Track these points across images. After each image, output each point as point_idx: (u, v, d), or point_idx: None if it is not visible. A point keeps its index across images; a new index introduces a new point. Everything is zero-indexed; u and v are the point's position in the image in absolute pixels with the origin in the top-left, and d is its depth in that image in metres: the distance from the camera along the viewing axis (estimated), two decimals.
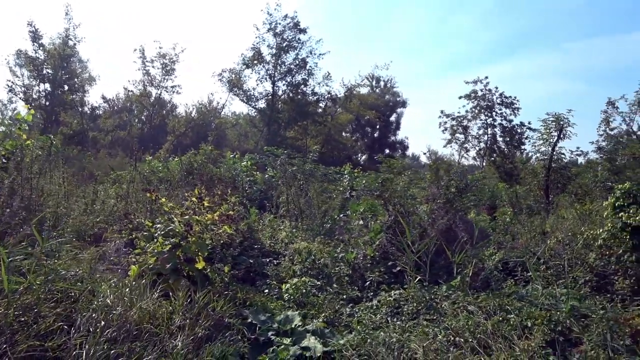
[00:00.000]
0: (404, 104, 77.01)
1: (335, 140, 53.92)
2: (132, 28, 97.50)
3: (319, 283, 10.04)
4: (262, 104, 52.94)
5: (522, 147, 43.40)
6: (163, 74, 54.51)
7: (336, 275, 10.58)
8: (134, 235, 10.48)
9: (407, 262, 9.72)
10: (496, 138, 45.36)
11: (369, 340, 7.21)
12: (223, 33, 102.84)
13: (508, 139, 44.71)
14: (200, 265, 9.49)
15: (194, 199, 9.47)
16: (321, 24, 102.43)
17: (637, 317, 7.71)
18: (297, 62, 50.90)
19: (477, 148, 46.33)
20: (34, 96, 54.80)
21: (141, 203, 14.88)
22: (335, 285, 9.89)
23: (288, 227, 14.25)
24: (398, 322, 8.23)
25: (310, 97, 51.95)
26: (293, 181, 16.81)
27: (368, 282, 10.16)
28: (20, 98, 53.71)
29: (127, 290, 7.40)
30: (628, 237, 8.96)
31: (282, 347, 6.94)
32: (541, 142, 24.89)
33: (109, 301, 7.00)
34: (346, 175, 21.69)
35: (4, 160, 11.94)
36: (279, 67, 50.58)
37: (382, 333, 7.58)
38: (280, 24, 50.38)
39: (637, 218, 8.76)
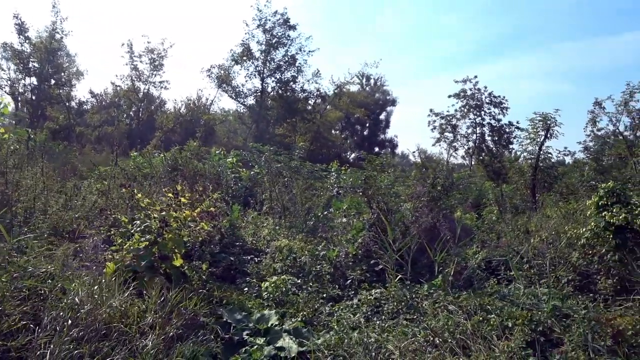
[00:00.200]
0: (393, 102, 77.07)
1: (324, 138, 53.74)
2: (121, 22, 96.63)
3: (299, 281, 9.86)
4: (250, 100, 52.76)
5: (511, 146, 43.36)
6: (151, 69, 54.01)
7: (317, 273, 10.40)
8: (112, 232, 10.24)
9: (389, 260, 9.55)
10: (484, 137, 45.23)
11: (346, 341, 7.03)
12: (213, 29, 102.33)
13: (496, 138, 44.60)
14: (177, 262, 9.27)
15: (170, 195, 9.22)
16: (311, 21, 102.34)
17: (619, 317, 7.59)
18: (287, 58, 50.63)
19: (466, 147, 46.20)
20: (20, 90, 54.12)
21: (122, 199, 14.60)
22: (314, 284, 9.69)
23: (271, 224, 14.06)
24: (378, 322, 8.08)
25: (299, 94, 51.79)
26: (277, 178, 16.59)
27: (349, 281, 9.99)
28: (5, 92, 52.99)
29: (97, 288, 7.15)
30: (611, 236, 8.86)
31: (256, 347, 6.74)
32: (528, 141, 24.87)
33: (77, 299, 6.76)
34: (333, 173, 21.51)
35: None
36: (268, 64, 50.30)
37: (360, 333, 7.42)
38: (269, 20, 50.14)
39: (621, 217, 8.66)
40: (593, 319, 7.31)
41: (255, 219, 15.04)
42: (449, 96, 44.74)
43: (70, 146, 39.36)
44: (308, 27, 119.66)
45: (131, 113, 61.97)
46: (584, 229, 9.45)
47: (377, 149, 73.80)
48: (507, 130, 43.90)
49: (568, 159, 28.14)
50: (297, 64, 51.13)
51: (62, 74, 55.96)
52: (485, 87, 44.07)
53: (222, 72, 51.15)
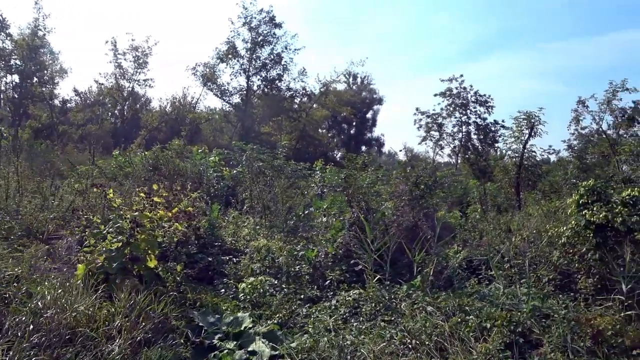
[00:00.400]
0: (380, 101, 76.91)
1: (310, 137, 53.44)
2: (105, 19, 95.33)
3: (276, 282, 9.65)
4: (236, 98, 52.31)
5: (496, 145, 43.43)
6: (135, 67, 53.41)
7: (296, 274, 10.20)
8: (87, 233, 9.96)
9: (367, 260, 9.37)
10: (470, 136, 45.23)
11: (321, 344, 6.84)
12: (198, 26, 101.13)
13: (482, 137, 44.67)
14: (151, 264, 9.02)
15: (141, 194, 8.96)
16: (298, 20, 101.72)
17: (599, 317, 7.47)
18: (272, 57, 50.29)
19: (452, 145, 46.21)
20: (2, 88, 53.28)
21: (99, 199, 14.30)
22: (292, 285, 9.48)
23: (251, 224, 13.82)
24: (356, 324, 7.91)
25: (285, 93, 51.44)
26: (259, 177, 16.35)
27: (328, 281, 9.79)
28: None
29: (61, 291, 6.88)
30: (591, 235, 8.74)
31: (226, 351, 6.52)
32: (513, 139, 24.85)
33: (40, 304, 6.50)
34: (317, 172, 21.30)
35: None
36: (253, 62, 49.91)
37: (336, 336, 7.24)
38: (255, 18, 49.68)
39: (601, 216, 8.54)
40: (573, 319, 7.19)
41: (236, 219, 14.80)
42: (435, 95, 44.71)
43: (52, 145, 38.82)
44: (295, 26, 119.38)
45: (116, 112, 61.26)
46: (564, 228, 9.32)
47: (364, 148, 73.73)
48: (493, 128, 43.97)
49: (553, 158, 28.22)
50: (282, 62, 50.82)
51: (45, 71, 55.06)
52: (471, 86, 44.08)
53: (208, 70, 50.67)
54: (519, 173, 23.53)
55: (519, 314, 7.34)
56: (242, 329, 7.31)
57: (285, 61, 50.87)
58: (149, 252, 8.94)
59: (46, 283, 7.55)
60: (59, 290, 6.89)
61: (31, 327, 6.06)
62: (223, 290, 9.78)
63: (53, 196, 16.12)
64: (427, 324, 6.98)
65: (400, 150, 78.57)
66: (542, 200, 15.47)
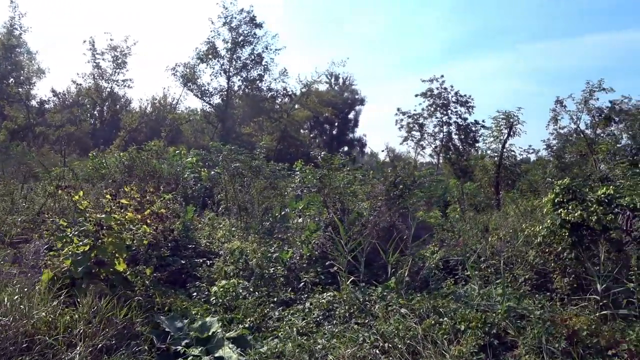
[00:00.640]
0: (362, 101, 76.86)
1: (291, 137, 53.06)
2: (83, 19, 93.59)
3: (249, 285, 9.42)
4: (216, 99, 51.80)
5: (477, 144, 43.69)
6: (114, 67, 52.57)
7: (270, 276, 9.98)
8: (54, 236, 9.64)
9: (341, 262, 9.19)
10: (451, 136, 45.46)
11: (291, 348, 6.64)
12: (178, 26, 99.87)
13: (463, 137, 44.93)
14: (120, 267, 8.75)
15: (108, 196, 8.68)
16: (279, 20, 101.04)
17: (574, 317, 7.37)
18: (253, 57, 49.86)
19: (433, 145, 46.38)
20: None
21: (70, 202, 13.94)
22: (265, 288, 9.25)
23: (227, 226, 13.56)
24: (329, 327, 7.72)
25: (266, 93, 51.08)
26: (236, 178, 16.09)
27: (302, 284, 9.59)
28: None
29: (17, 298, 6.59)
30: (567, 234, 8.66)
31: (191, 358, 6.29)
32: (492, 139, 24.97)
33: None
34: (297, 172, 21.07)
35: None
36: (234, 62, 49.46)
37: (307, 339, 7.06)
38: (235, 18, 49.17)
39: (576, 215, 8.45)
40: (548, 320, 7.09)
41: (212, 220, 14.53)
42: (416, 95, 44.84)
43: (28, 147, 38.06)
44: (276, 27, 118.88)
45: (95, 112, 60.33)
46: (540, 227, 9.24)
47: (346, 148, 73.64)
48: (474, 129, 44.23)
49: (533, 157, 28.42)
50: (263, 63, 50.47)
51: (22, 71, 54.11)
52: (452, 86, 44.33)
53: (188, 70, 50.11)
54: (499, 172, 23.63)
55: (494, 315, 7.22)
56: (210, 334, 7.07)
57: (266, 61, 50.56)
58: (117, 255, 8.68)
59: (8, 289, 7.26)
60: (19, 297, 6.57)
61: None
62: (195, 293, 9.53)
63: (24, 199, 15.72)
64: (400, 327, 6.82)
65: (382, 151, 78.81)
66: (519, 200, 15.44)
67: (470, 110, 44.38)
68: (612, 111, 24.87)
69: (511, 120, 23.54)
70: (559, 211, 8.76)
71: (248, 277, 9.96)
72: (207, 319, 7.55)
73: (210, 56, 49.22)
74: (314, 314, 8.25)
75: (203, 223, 14.42)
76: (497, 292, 7.88)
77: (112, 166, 18.04)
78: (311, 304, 8.61)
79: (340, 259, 9.42)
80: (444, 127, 45.29)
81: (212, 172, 20.16)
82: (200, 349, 6.51)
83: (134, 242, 9.49)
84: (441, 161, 46.50)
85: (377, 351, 6.45)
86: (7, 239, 11.64)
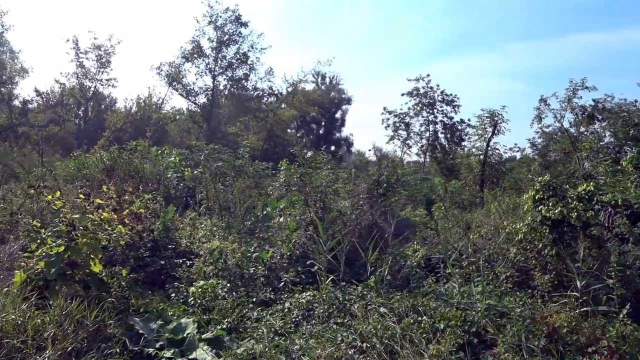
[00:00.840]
0: (349, 100, 76.84)
1: (277, 137, 52.89)
2: (67, 17, 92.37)
3: (228, 285, 9.27)
4: (202, 98, 51.49)
5: (463, 143, 43.82)
6: (98, 66, 52.08)
7: (251, 276, 9.83)
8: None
9: (321, 261, 9.06)
10: (437, 135, 45.60)
11: (267, 349, 6.51)
12: (162, 25, 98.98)
13: (449, 136, 45.06)
14: (96, 268, 8.58)
15: (81, 196, 8.48)
16: (266, 19, 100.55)
17: (555, 314, 7.31)
18: (238, 56, 49.64)
19: (420, 144, 46.47)
20: None
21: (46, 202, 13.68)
22: (242, 288, 9.10)
23: (208, 226, 13.39)
24: (308, 327, 7.60)
25: (251, 93, 50.84)
26: (218, 177, 15.91)
27: (282, 283, 9.45)
28: None
29: None
30: (547, 231, 8.61)
31: (164, 359, 6.14)
32: (476, 137, 25.04)
33: None
34: (282, 171, 20.91)
35: None
36: (219, 61, 49.20)
37: (285, 340, 6.94)
38: (221, 17, 48.96)
39: (556, 211, 8.41)
40: (528, 317, 7.02)
41: (194, 220, 14.34)
42: (402, 94, 44.87)
43: (10, 147, 37.50)
44: (262, 26, 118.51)
45: (80, 112, 59.71)
46: (521, 224, 9.19)
47: (333, 148, 73.57)
48: (460, 127, 44.36)
49: (518, 155, 28.58)
50: (249, 62, 50.23)
51: (4, 71, 53.34)
52: (438, 86, 44.45)
53: (173, 69, 49.74)
54: (483, 170, 23.70)
55: (474, 313, 7.14)
56: (184, 335, 6.92)
57: (252, 61, 50.36)
58: (92, 256, 8.50)
59: None
60: None
61: None
62: (173, 294, 9.36)
63: (2, 200, 15.41)
64: (378, 326, 6.71)
65: (370, 150, 78.77)
66: (502, 197, 15.44)
67: (457, 109, 44.57)
68: (595, 109, 25.02)
69: (495, 118, 23.65)
70: (540, 208, 8.71)
71: (227, 277, 9.80)
72: (182, 320, 7.41)
73: (195, 55, 48.91)
74: (293, 314, 8.12)
75: (184, 223, 14.23)
76: (477, 290, 7.79)
77: (92, 166, 17.74)
78: (291, 304, 8.48)
79: (320, 258, 9.29)
80: (430, 126, 45.43)
81: (195, 172, 19.94)
82: (173, 351, 6.35)
83: (110, 242, 9.31)
84: (428, 160, 46.62)
85: (354, 351, 6.33)
86: None
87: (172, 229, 13.03)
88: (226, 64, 49.77)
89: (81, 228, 8.44)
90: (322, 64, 52.72)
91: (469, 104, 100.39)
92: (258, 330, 7.46)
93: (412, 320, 6.89)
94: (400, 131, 45.78)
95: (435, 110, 44.91)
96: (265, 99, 53.23)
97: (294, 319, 7.96)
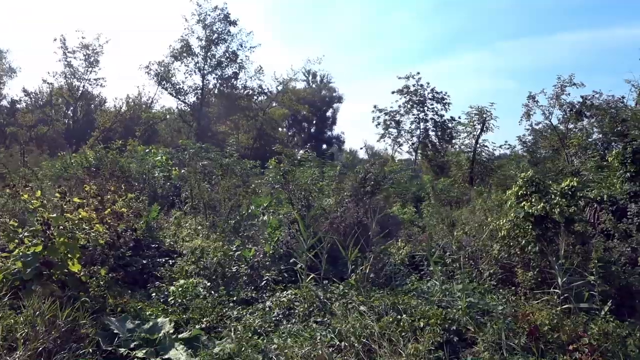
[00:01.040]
0: (340, 99, 76.86)
1: (268, 135, 52.70)
2: (55, 16, 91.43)
3: (209, 284, 9.13)
4: (191, 97, 51.22)
5: (453, 141, 43.78)
6: (86, 65, 51.58)
7: (233, 275, 9.70)
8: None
9: (302, 259, 8.95)
10: (428, 132, 45.51)
11: (243, 349, 6.39)
12: (151, 24, 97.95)
13: (439, 134, 44.99)
14: (75, 268, 8.41)
15: (57, 195, 8.32)
16: (256, 18, 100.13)
17: (537, 311, 7.24)
18: (228, 55, 49.41)
19: (410, 142, 46.37)
20: None
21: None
22: (222, 287, 8.97)
23: (193, 224, 13.24)
24: (288, 325, 7.49)
25: (241, 91, 50.55)
26: (201, 175, 15.75)
27: (264, 282, 9.33)
28: None
29: None
30: (530, 227, 8.53)
31: (135, 359, 6.01)
32: (465, 134, 25.00)
33: None
34: (271, 170, 20.79)
35: None
36: (208, 60, 48.93)
37: (263, 339, 6.82)
38: (209, 15, 48.71)
39: (539, 207, 8.33)
40: (509, 315, 6.94)
41: (179, 219, 14.19)
42: (392, 92, 44.75)
43: None
44: (252, 24, 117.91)
45: (69, 112, 59.19)
46: (503, 220, 9.10)
47: (324, 146, 73.53)
48: (450, 125, 44.29)
49: (509, 152, 28.57)
50: (238, 60, 49.97)
51: None
52: (428, 83, 44.31)
53: (162, 69, 49.39)
54: (472, 167, 23.66)
55: (454, 311, 7.04)
56: (160, 335, 6.78)
57: (241, 59, 50.09)
58: (70, 256, 8.34)
59: None
60: None
61: None
62: (154, 294, 9.21)
63: None
64: (357, 325, 6.60)
65: (361, 148, 78.81)
66: (488, 194, 15.37)
67: (447, 106, 44.46)
68: (584, 106, 25.03)
69: (484, 115, 23.61)
70: (522, 204, 8.63)
71: (209, 276, 9.67)
72: (159, 320, 7.27)
73: (184, 54, 48.60)
74: (274, 313, 8.01)
75: (169, 222, 14.08)
76: (457, 288, 7.70)
77: (77, 165, 17.55)
78: (272, 302, 8.36)
79: (302, 255, 9.18)
80: (421, 123, 45.31)
81: (182, 171, 19.78)
82: (146, 351, 6.22)
83: (89, 242, 9.15)
84: (419, 158, 46.54)
85: (333, 350, 6.22)
86: None
87: (156, 228, 12.86)
88: (215, 62, 49.49)
89: (61, 227, 8.29)
90: (312, 62, 52.56)
91: (461, 103, 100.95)
92: (236, 330, 7.33)
93: (391, 319, 6.79)
94: (390, 129, 45.64)
95: (425, 108, 44.77)
96: (255, 97, 52.96)
97: (274, 318, 7.85)
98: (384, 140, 46.62)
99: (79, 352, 6.16)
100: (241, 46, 49.76)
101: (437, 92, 44.43)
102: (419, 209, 17.55)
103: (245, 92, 51.04)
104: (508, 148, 27.82)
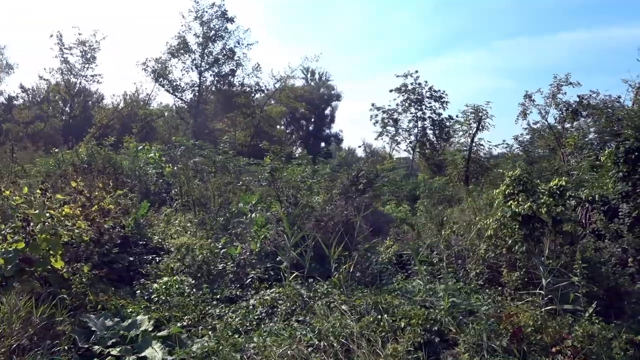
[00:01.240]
0: (338, 97, 76.63)
1: (265, 133, 52.53)
2: (52, 13, 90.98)
3: (193, 282, 9.04)
4: (188, 94, 51.03)
5: (451, 139, 43.70)
6: (83, 62, 51.35)
7: (219, 272, 9.61)
8: None
9: (287, 257, 8.85)
10: (426, 131, 45.47)
11: (222, 346, 6.30)
12: (148, 20, 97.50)
13: (437, 132, 44.93)
14: (58, 265, 8.31)
15: (38, 191, 8.22)
16: (255, 15, 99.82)
17: (522, 312, 7.13)
18: (225, 52, 49.19)
19: (408, 141, 46.29)
20: None
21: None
22: (204, 285, 8.88)
23: (182, 221, 13.15)
24: (270, 324, 7.40)
25: (238, 88, 50.30)
26: (195, 173, 15.66)
27: (249, 280, 9.23)
28: None
29: None
30: (517, 227, 8.42)
31: (110, 357, 5.92)
32: (461, 133, 24.89)
33: None
34: (267, 167, 20.70)
35: None
36: (205, 57, 48.72)
37: (243, 337, 6.74)
38: (207, 12, 48.44)
39: (526, 206, 8.22)
40: (493, 316, 6.84)
41: (169, 216, 14.09)
42: (390, 90, 44.68)
43: None
44: (251, 22, 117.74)
45: (66, 109, 59.02)
46: (490, 220, 8.99)
47: (322, 144, 73.42)
48: (448, 124, 44.19)
49: (506, 151, 28.44)
50: (235, 58, 49.78)
51: None
52: (426, 82, 44.23)
53: (159, 65, 49.18)
54: (468, 166, 23.56)
55: (437, 311, 6.95)
56: (138, 332, 6.69)
57: (238, 56, 49.89)
58: (52, 252, 8.25)
59: None
60: None
61: None
62: (139, 291, 9.12)
63: None
64: (337, 324, 6.50)
65: (359, 146, 78.71)
66: (477, 193, 15.27)
67: (445, 105, 44.43)
68: (580, 105, 24.89)
69: (480, 114, 23.48)
70: (509, 203, 8.52)
71: (194, 273, 9.58)
72: (138, 317, 7.18)
73: (181, 51, 48.41)
74: (257, 311, 7.92)
75: (159, 219, 14.00)
76: (440, 288, 7.60)
77: (67, 162, 17.45)
78: (256, 300, 8.27)
79: (285, 254, 9.08)
80: (419, 122, 45.26)
81: (175, 168, 19.69)
82: (120, 348, 6.14)
83: (73, 238, 9.06)
84: (417, 156, 46.49)
85: (312, 350, 6.13)
86: None
87: (144, 225, 12.77)
88: (212, 59, 49.29)
89: (46, 224, 8.20)
90: (310, 59, 52.26)
91: (459, 102, 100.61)
92: (216, 328, 7.25)
93: (372, 319, 6.69)
94: (388, 127, 45.60)
95: (423, 107, 44.72)
96: (253, 95, 52.77)
97: (257, 317, 7.77)
98: (382, 139, 46.63)
99: (54, 349, 6.08)
100: (238, 43, 49.57)
101: (435, 91, 44.39)
102: (414, 207, 17.47)
103: (243, 89, 50.82)
104: (506, 147, 27.74)
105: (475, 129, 23.57)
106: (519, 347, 6.30)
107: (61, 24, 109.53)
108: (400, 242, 10.47)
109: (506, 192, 8.76)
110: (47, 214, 8.28)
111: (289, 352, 5.95)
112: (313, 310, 7.45)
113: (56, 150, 25.32)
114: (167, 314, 7.95)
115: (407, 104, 45.06)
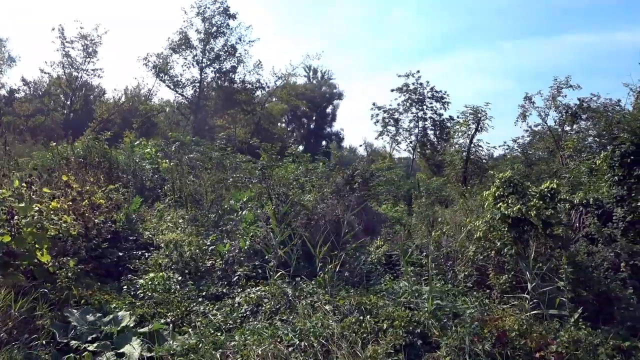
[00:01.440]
0: (340, 95, 76.62)
1: (265, 130, 52.50)
2: (55, 6, 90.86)
3: (180, 278, 8.98)
4: (189, 90, 51.00)
5: (451, 140, 43.63)
6: (84, 56, 51.36)
7: (207, 269, 9.56)
8: None
9: (273, 255, 8.79)
10: (427, 131, 45.40)
11: (201, 345, 6.24)
12: (151, 15, 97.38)
13: (438, 132, 44.83)
14: (44, 258, 8.27)
15: (24, 185, 8.17)
16: (257, 12, 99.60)
17: (508, 316, 7.05)
18: (226, 48, 49.18)
19: (409, 141, 46.22)
20: None
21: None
22: (190, 282, 8.83)
23: (174, 217, 13.09)
24: (254, 322, 7.34)
25: (238, 85, 50.27)
26: (190, 169, 15.59)
27: (236, 277, 9.17)
28: None
29: None
30: (506, 229, 8.34)
31: (86, 353, 5.87)
32: (460, 134, 24.80)
33: None
34: (258, 165, 20.63)
35: None
36: (207, 53, 48.68)
37: (224, 335, 6.67)
38: (209, 8, 48.43)
39: (515, 209, 8.13)
40: (478, 319, 6.75)
41: (162, 212, 14.04)
42: (392, 90, 44.57)
43: None
44: (253, 19, 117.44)
45: (68, 102, 59.04)
46: (480, 222, 8.91)
47: (324, 143, 73.38)
48: (449, 124, 44.09)
49: (507, 153, 28.36)
50: (237, 54, 49.73)
51: None
52: (427, 82, 44.13)
53: (160, 61, 49.16)
54: (466, 167, 23.47)
55: (421, 313, 6.87)
56: (119, 328, 6.64)
57: (240, 53, 49.84)
58: (38, 246, 8.21)
59: None
60: None
61: None
62: (125, 287, 9.06)
63: None
64: (318, 325, 6.43)
65: (360, 145, 78.59)
66: (468, 194, 15.17)
67: (446, 106, 44.33)
68: (580, 108, 24.80)
69: (479, 115, 23.38)
70: (499, 205, 8.44)
71: (182, 269, 9.53)
72: (120, 313, 7.13)
73: (182, 47, 48.38)
74: (242, 309, 7.86)
75: (152, 215, 13.95)
76: (424, 289, 7.53)
77: (62, 156, 17.38)
78: (241, 298, 8.21)
79: (274, 251, 9.02)
80: (419, 122, 45.17)
81: (171, 163, 19.63)
82: (97, 344, 6.08)
83: (61, 233, 9.01)
84: (418, 156, 46.40)
85: (292, 350, 6.06)
86: None
87: (137, 220, 12.72)
88: (214, 56, 49.25)
89: (34, 218, 8.16)
90: (311, 57, 52.22)
91: (460, 102, 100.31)
92: (199, 325, 7.19)
93: (354, 319, 6.62)
94: (389, 127, 45.52)
95: (424, 107, 44.61)
96: (253, 92, 52.72)
97: (241, 314, 7.71)
98: (382, 138, 46.55)
99: (33, 343, 6.03)
100: (240, 40, 49.57)
101: (436, 91, 44.29)
102: (410, 207, 17.39)
103: (244, 86, 50.77)
104: (507, 149, 27.66)
105: (474, 130, 23.47)
106: (502, 352, 6.21)
107: (63, 18, 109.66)
108: (390, 242, 10.38)
109: (496, 194, 8.68)
110: (35, 207, 8.25)
111: (268, 351, 5.88)
112: (297, 310, 7.39)
113: (54, 144, 25.30)
114: (151, 310, 7.91)
115: (408, 104, 44.97)
